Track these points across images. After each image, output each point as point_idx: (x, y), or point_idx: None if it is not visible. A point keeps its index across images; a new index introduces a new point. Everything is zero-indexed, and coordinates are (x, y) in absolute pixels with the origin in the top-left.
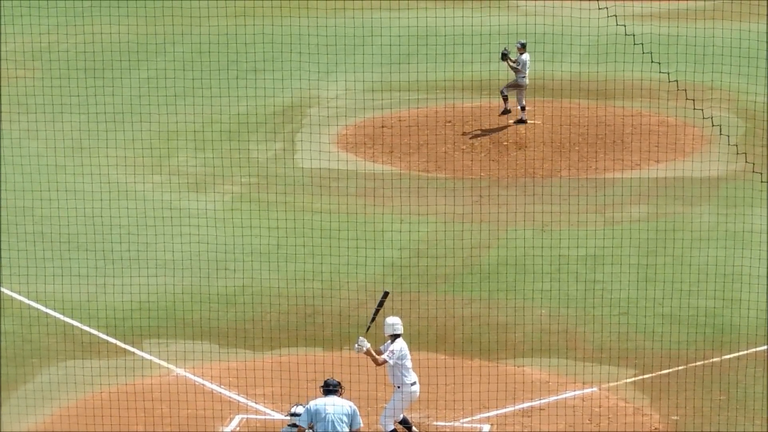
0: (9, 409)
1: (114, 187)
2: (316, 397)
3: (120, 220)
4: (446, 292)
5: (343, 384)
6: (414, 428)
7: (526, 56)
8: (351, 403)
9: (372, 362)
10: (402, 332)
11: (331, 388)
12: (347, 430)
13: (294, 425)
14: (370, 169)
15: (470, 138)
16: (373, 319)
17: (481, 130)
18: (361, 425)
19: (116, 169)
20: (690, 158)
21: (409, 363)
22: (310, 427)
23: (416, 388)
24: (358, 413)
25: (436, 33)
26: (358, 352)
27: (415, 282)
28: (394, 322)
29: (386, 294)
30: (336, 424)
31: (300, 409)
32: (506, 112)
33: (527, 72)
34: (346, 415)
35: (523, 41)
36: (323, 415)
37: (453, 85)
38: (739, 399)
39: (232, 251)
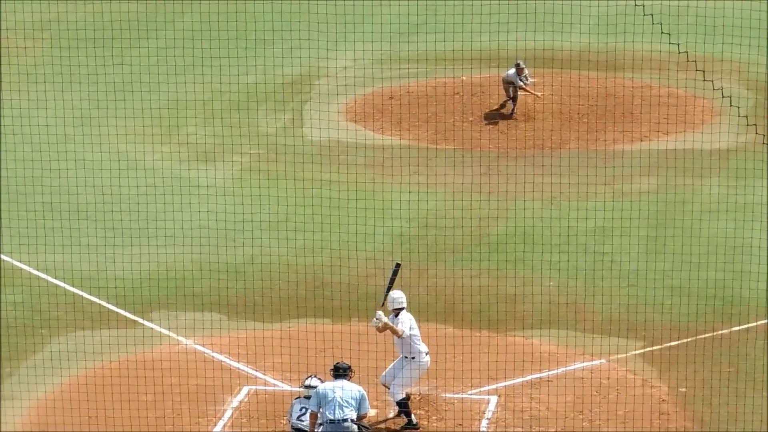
0: (18, 378)
1: (122, 158)
2: (325, 380)
3: (128, 191)
4: (454, 263)
5: (353, 368)
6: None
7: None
8: (360, 388)
9: (383, 335)
10: (406, 305)
11: (340, 372)
12: (354, 414)
13: (308, 397)
14: (378, 141)
15: (478, 110)
16: (387, 293)
17: (489, 101)
18: (369, 410)
19: (124, 139)
20: (699, 130)
21: (418, 333)
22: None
23: (428, 357)
24: (367, 398)
25: (444, 3)
26: (376, 326)
27: (423, 253)
28: (398, 296)
29: (398, 266)
30: (343, 407)
31: (314, 381)
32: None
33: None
34: (353, 399)
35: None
36: (330, 398)
37: (462, 57)
38: (748, 371)
39: (241, 222)
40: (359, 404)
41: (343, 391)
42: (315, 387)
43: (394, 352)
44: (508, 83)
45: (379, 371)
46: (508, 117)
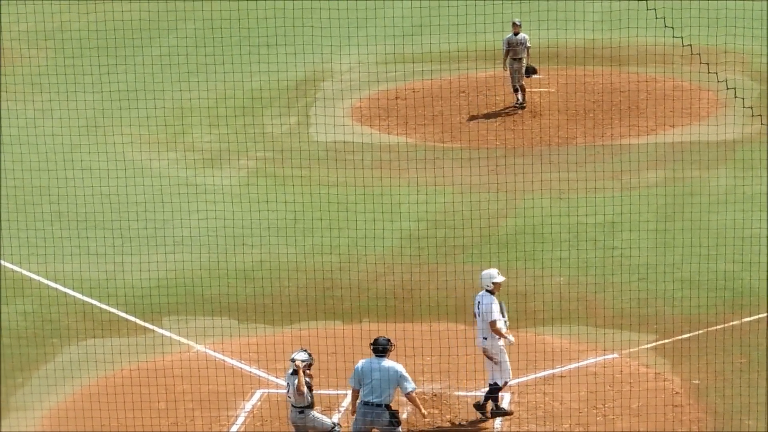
0: (30, 389)
1: (129, 165)
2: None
3: (136, 198)
4: (464, 262)
5: (393, 342)
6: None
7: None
8: (398, 367)
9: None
10: (486, 287)
11: (380, 348)
12: (390, 399)
13: (295, 373)
14: (385, 141)
15: (485, 107)
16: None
17: (495, 99)
18: (414, 387)
19: (131, 146)
20: (705, 122)
21: (479, 321)
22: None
23: (478, 341)
24: (407, 376)
25: (448, 3)
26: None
27: (433, 253)
28: (482, 275)
29: None
30: (379, 392)
31: (302, 355)
32: (521, 105)
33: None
34: (390, 382)
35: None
36: (368, 379)
37: (466, 56)
38: (760, 361)
39: (249, 226)
40: (399, 384)
41: (381, 372)
42: (304, 360)
43: (406, 353)
44: (509, 53)
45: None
46: (515, 113)
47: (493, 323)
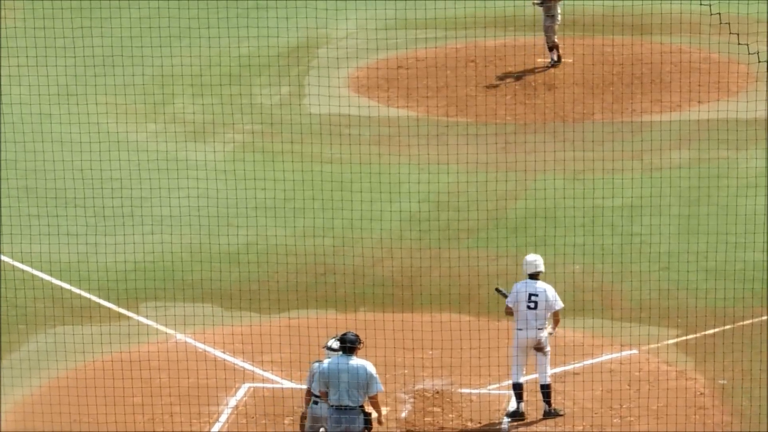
0: None
1: (106, 137)
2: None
3: (113, 173)
4: (470, 247)
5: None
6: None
7: None
8: (367, 365)
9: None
10: (530, 271)
11: (348, 345)
12: (362, 400)
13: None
14: (386, 114)
15: (495, 79)
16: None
17: (506, 69)
18: (381, 389)
19: (108, 117)
20: (735, 98)
21: (522, 306)
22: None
23: (523, 333)
24: (375, 376)
25: None
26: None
27: (436, 237)
28: (526, 261)
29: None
30: (350, 395)
31: (336, 344)
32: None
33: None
34: (362, 382)
35: None
36: (336, 381)
37: (475, 22)
38: None
39: (236, 206)
40: (368, 386)
41: (350, 374)
42: (338, 350)
43: (405, 346)
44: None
45: (389, 366)
46: (528, 85)
47: (557, 313)
